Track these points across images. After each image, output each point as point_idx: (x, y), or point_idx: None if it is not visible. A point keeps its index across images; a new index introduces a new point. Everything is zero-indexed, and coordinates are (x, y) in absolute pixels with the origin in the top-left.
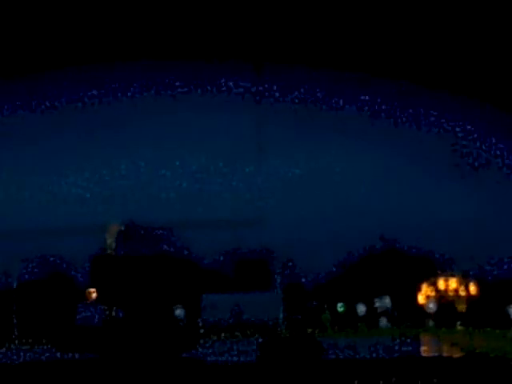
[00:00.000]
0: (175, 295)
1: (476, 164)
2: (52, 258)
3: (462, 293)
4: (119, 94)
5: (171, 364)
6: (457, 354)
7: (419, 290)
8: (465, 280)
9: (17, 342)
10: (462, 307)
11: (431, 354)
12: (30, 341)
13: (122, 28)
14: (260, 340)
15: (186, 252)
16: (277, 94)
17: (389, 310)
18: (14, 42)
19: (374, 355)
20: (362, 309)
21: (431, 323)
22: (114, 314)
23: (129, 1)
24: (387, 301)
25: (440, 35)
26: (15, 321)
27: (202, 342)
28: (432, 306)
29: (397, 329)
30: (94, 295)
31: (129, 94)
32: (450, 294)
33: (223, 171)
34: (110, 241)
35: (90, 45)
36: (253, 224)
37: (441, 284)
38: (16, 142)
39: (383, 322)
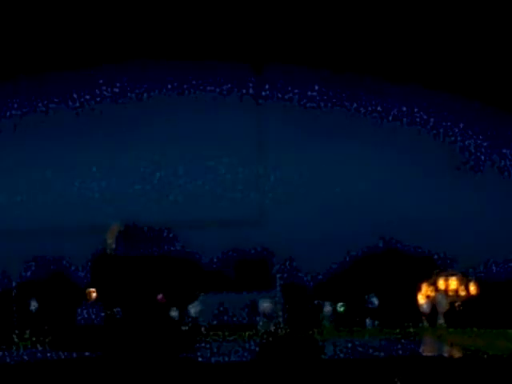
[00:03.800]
0: (175, 295)
1: (476, 164)
2: (52, 258)
3: (462, 293)
4: (119, 95)
5: (171, 364)
6: (457, 354)
7: (419, 289)
8: (465, 280)
9: (17, 341)
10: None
11: (431, 354)
12: (29, 341)
13: (122, 28)
14: (260, 340)
15: (186, 252)
16: (277, 94)
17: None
18: (16, 43)
19: (374, 355)
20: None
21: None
22: (114, 313)
23: (129, 1)
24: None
25: (440, 35)
26: (15, 321)
27: (201, 341)
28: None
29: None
30: (94, 295)
31: (129, 94)
32: (450, 293)
33: (223, 171)
34: (110, 241)
35: (89, 45)
36: (253, 224)
37: (441, 284)
38: (16, 142)
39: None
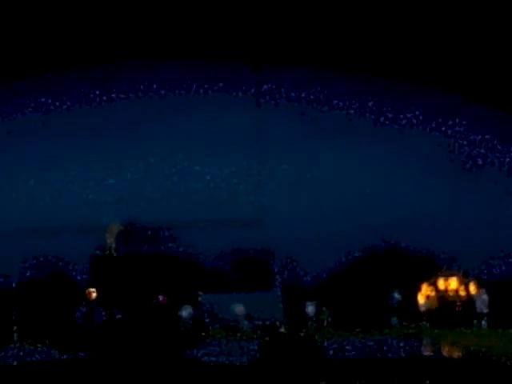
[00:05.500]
0: (175, 295)
1: (476, 164)
2: (52, 258)
3: (462, 293)
4: (120, 94)
5: (172, 364)
6: (457, 354)
7: (419, 289)
8: (465, 280)
9: (17, 342)
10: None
11: (431, 354)
12: (29, 341)
13: (123, 28)
14: (260, 340)
15: (186, 252)
16: (277, 94)
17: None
18: (16, 43)
19: (374, 355)
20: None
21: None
22: (114, 313)
23: (130, 1)
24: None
25: (440, 35)
26: (15, 321)
27: (202, 342)
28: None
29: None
30: (94, 295)
31: (129, 94)
32: (450, 293)
33: (223, 171)
34: (110, 241)
35: (91, 45)
36: (253, 224)
37: (441, 284)
38: (16, 142)
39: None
